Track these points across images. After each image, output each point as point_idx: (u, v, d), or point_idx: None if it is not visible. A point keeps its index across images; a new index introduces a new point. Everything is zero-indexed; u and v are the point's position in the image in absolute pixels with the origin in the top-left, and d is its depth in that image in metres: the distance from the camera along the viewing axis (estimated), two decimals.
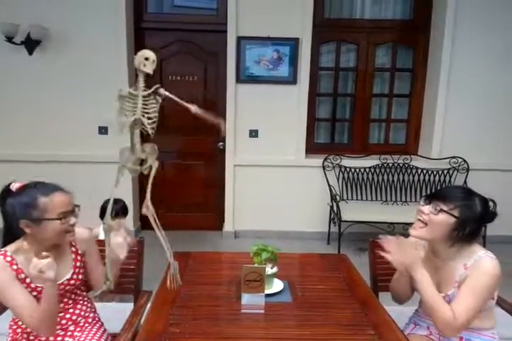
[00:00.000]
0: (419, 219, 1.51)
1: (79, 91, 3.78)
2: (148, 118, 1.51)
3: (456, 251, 1.49)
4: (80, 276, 1.57)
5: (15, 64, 3.68)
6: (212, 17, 3.98)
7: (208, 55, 4.03)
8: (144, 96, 1.49)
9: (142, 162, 1.59)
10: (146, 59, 1.49)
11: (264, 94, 3.89)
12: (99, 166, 3.81)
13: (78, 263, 1.57)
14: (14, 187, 1.43)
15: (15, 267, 1.42)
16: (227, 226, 4.11)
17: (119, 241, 1.50)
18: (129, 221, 3.95)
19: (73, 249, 1.58)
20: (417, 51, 4.16)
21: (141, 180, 4.20)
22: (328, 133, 4.37)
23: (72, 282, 1.54)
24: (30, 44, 3.58)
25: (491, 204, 1.53)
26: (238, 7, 3.74)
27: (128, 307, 1.78)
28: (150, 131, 1.51)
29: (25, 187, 1.43)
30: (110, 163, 3.81)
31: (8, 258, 1.42)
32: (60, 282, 1.49)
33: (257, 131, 3.96)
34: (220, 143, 4.09)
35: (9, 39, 3.51)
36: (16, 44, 3.56)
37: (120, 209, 2.72)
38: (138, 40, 3.94)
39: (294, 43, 3.81)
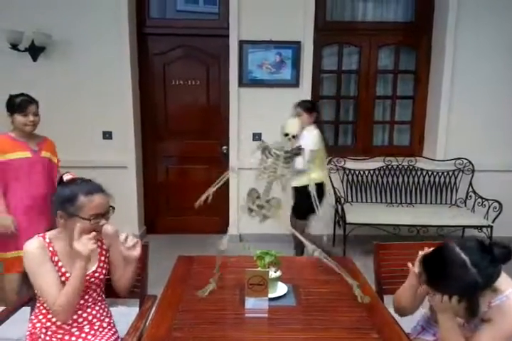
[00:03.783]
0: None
1: (83, 96, 3.81)
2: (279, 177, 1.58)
3: None
4: (104, 271, 1.62)
5: (20, 70, 3.71)
6: (214, 21, 4.00)
7: (211, 59, 4.04)
8: (285, 158, 1.56)
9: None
10: (286, 135, 1.55)
11: (267, 97, 3.90)
12: (103, 171, 3.82)
13: (103, 258, 1.63)
14: (65, 178, 1.57)
15: (51, 248, 1.52)
16: (232, 229, 4.10)
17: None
18: (134, 225, 3.97)
19: (99, 243, 1.62)
20: (419, 53, 4.15)
21: (145, 184, 4.21)
22: (331, 136, 4.37)
23: (96, 275, 1.58)
24: (35, 51, 3.61)
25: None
26: (240, 11, 3.76)
27: (133, 311, 1.79)
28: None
29: (73, 181, 1.54)
30: (114, 168, 3.88)
31: (47, 240, 1.53)
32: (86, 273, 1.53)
33: (260, 134, 3.97)
34: (224, 147, 4.09)
35: (14, 46, 3.54)
36: (21, 51, 3.59)
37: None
38: (141, 46, 3.97)
39: (296, 46, 3.82)
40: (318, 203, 1.59)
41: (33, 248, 1.48)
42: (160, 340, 1.34)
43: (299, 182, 2.56)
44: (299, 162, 2.79)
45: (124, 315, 1.80)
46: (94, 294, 1.62)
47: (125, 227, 2.98)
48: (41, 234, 1.54)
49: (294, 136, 1.59)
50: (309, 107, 3.19)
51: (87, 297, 1.58)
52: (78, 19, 3.68)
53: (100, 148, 3.88)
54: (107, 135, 3.89)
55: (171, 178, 4.22)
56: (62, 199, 1.48)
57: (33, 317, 1.58)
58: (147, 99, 4.08)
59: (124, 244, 1.54)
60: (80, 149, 3.86)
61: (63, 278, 1.50)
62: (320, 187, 3.02)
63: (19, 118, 2.40)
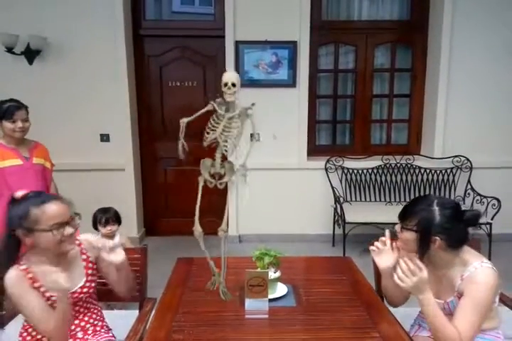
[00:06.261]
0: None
1: (79, 99, 3.80)
2: (225, 141, 1.56)
3: (449, 259, 1.49)
4: (93, 284, 1.59)
5: (16, 74, 3.70)
6: (210, 22, 3.99)
7: (207, 60, 4.04)
8: (228, 119, 1.55)
9: (221, 177, 1.64)
10: (225, 85, 1.49)
11: (264, 97, 3.88)
12: (101, 174, 3.81)
13: (90, 271, 1.59)
14: (16, 195, 1.46)
15: (30, 275, 1.44)
16: (231, 230, 4.10)
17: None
18: (133, 227, 3.96)
19: (84, 256, 1.59)
20: (415, 51, 4.16)
21: (144, 186, 4.20)
22: (329, 135, 4.37)
23: (85, 290, 1.55)
24: (30, 54, 3.60)
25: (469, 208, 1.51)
26: (236, 12, 3.75)
27: (133, 314, 1.78)
28: (224, 152, 1.59)
29: (24, 196, 1.45)
30: (112, 171, 3.87)
31: (23, 267, 1.45)
32: (73, 290, 1.50)
33: (258, 134, 3.96)
34: None
35: (9, 49, 3.53)
36: (16, 54, 3.58)
37: (111, 217, 2.71)
38: (137, 48, 3.96)
39: (292, 46, 3.82)
40: None
41: (11, 281, 1.40)
42: None
43: None
44: None
45: (124, 318, 1.79)
46: (87, 304, 1.60)
47: (124, 229, 2.99)
48: (17, 262, 1.46)
49: (233, 85, 1.55)
50: None
51: (77, 308, 1.56)
52: (74, 21, 3.67)
53: (98, 150, 3.87)
54: (105, 137, 3.88)
55: (169, 180, 4.21)
56: (16, 217, 1.40)
57: (22, 330, 1.54)
58: (144, 101, 4.07)
59: (103, 250, 1.51)
60: (77, 152, 3.85)
61: (50, 302, 1.44)
62: None
63: (7, 124, 2.34)
